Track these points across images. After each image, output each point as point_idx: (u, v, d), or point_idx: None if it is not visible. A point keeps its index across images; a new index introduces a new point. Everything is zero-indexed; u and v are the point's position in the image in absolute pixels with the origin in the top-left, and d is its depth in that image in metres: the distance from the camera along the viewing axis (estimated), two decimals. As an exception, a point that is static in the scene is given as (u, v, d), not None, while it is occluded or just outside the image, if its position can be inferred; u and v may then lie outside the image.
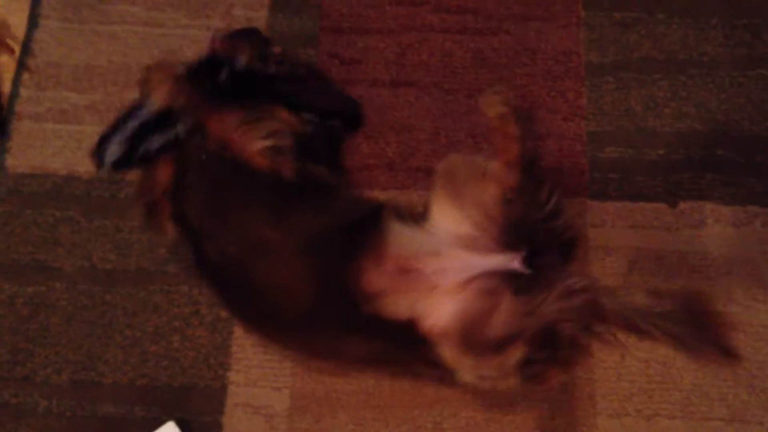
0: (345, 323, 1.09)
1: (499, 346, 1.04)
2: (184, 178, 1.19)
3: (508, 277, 1.04)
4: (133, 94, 1.33)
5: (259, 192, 1.15)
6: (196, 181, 1.18)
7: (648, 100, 1.43)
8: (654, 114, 1.42)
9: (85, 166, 1.39)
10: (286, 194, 1.15)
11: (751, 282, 1.32)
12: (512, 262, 1.05)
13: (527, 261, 1.05)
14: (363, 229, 1.10)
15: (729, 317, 1.23)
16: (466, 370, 1.07)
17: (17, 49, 1.46)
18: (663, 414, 1.26)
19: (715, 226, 1.35)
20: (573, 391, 1.26)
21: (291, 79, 1.31)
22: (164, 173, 1.21)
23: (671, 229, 1.35)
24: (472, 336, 1.04)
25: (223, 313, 1.30)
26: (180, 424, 1.22)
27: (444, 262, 1.06)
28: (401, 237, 1.09)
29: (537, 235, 1.08)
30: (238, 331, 1.30)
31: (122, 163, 1.22)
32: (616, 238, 1.34)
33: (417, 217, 1.12)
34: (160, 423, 1.24)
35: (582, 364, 1.27)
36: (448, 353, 1.05)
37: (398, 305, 1.05)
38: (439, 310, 1.05)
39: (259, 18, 1.49)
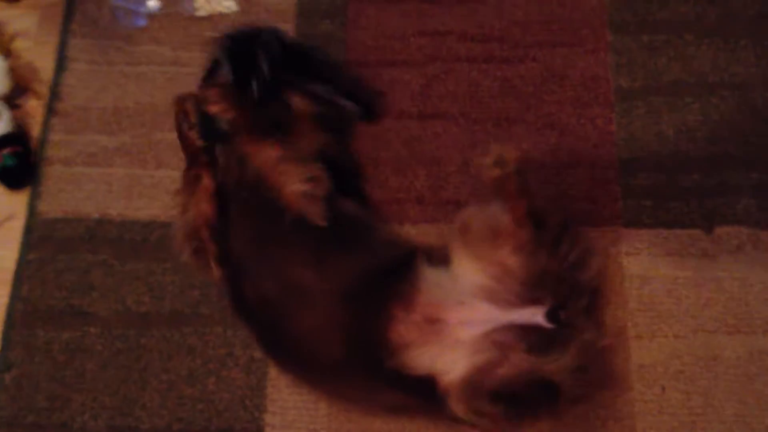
0: (372, 375, 1.10)
1: (494, 399, 1.05)
2: (227, 214, 1.20)
3: (529, 330, 1.05)
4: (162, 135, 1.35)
5: (299, 231, 1.16)
6: (238, 218, 1.19)
7: (680, 124, 1.41)
8: (686, 138, 1.40)
9: (116, 209, 1.39)
10: (324, 235, 1.15)
11: (791, 308, 1.29)
12: (535, 316, 1.05)
13: (551, 315, 1.05)
14: (396, 274, 1.10)
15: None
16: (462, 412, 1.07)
17: (46, 92, 1.47)
18: (705, 447, 1.23)
19: (753, 251, 1.32)
20: (613, 427, 1.24)
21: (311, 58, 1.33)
22: (207, 207, 1.20)
23: (708, 255, 1.33)
24: (474, 386, 1.05)
25: (258, 354, 1.30)
26: (218, 468, 1.22)
27: (468, 314, 1.07)
28: (431, 283, 1.10)
29: (561, 287, 1.07)
30: (273, 372, 1.29)
31: None
32: (652, 267, 1.32)
33: (447, 260, 1.12)
34: (197, 467, 1.23)
35: (622, 398, 1.25)
36: (455, 405, 1.06)
37: (421, 359, 1.07)
38: (456, 365, 1.06)
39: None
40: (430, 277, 1.11)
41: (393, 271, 1.12)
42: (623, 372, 1.27)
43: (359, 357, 1.09)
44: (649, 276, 1.32)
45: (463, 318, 1.07)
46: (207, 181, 1.22)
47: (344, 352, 1.10)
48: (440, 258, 1.13)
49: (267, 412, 1.27)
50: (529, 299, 1.06)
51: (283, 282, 1.14)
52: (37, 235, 1.39)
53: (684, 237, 1.34)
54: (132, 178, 1.42)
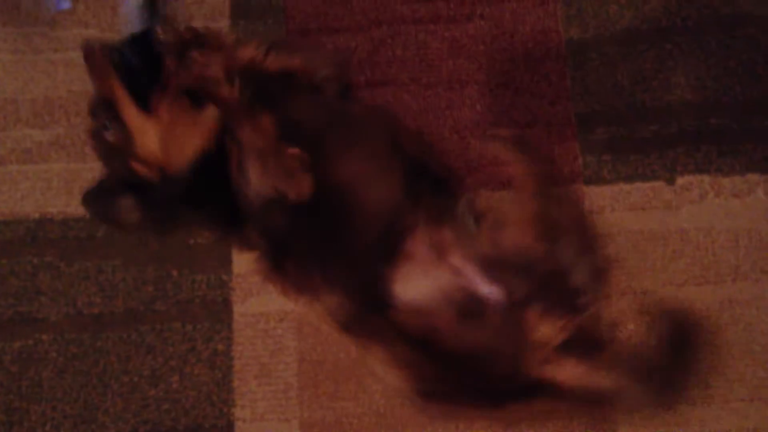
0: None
1: None
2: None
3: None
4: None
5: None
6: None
7: (635, 74, 1.37)
8: (642, 88, 1.37)
9: (57, 207, 1.33)
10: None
11: (758, 254, 1.28)
12: (490, 291, 1.04)
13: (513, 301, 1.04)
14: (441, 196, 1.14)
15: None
16: None
17: (-31, 88, 1.38)
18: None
19: (716, 199, 1.31)
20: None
21: None
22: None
23: (672, 207, 1.31)
24: None
25: (221, 347, 1.26)
26: (189, 469, 1.18)
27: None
28: (458, 224, 1.11)
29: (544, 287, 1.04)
30: (239, 364, 1.25)
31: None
32: (616, 224, 1.30)
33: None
34: (169, 469, 1.20)
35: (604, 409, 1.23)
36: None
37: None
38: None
39: (221, 27, 1.41)
40: (461, 219, 1.10)
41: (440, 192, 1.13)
42: (593, 332, 1.25)
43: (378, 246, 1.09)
44: (614, 233, 1.30)
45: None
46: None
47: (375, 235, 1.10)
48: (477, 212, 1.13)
49: (236, 405, 1.24)
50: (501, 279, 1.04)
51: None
52: (-25, 241, 1.32)
53: (646, 190, 1.32)
54: (71, 172, 1.35)
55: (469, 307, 1.04)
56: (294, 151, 1.06)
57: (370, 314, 1.09)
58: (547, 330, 1.04)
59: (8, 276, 1.29)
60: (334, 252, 1.11)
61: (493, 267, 1.05)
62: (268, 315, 1.27)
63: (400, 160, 1.12)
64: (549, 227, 1.08)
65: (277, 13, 1.41)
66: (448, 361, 1.06)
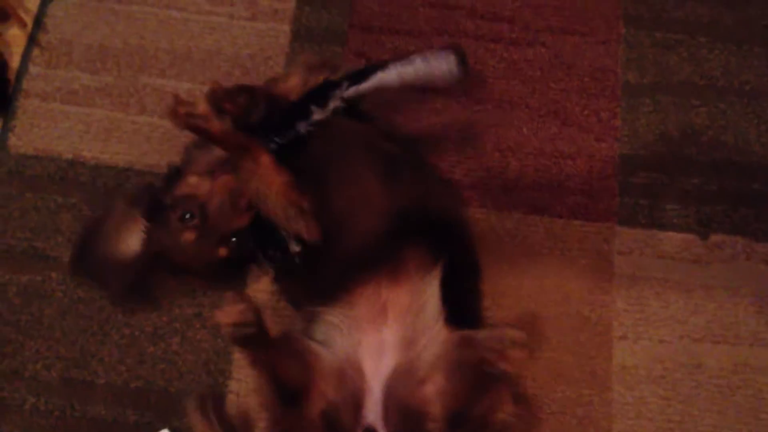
0: None
1: None
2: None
3: None
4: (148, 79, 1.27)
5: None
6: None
7: (685, 126, 1.37)
8: (690, 141, 1.36)
9: (91, 152, 1.32)
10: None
11: (781, 324, 1.26)
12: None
13: None
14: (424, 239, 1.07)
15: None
16: None
17: (29, 22, 1.38)
18: (681, 457, 1.19)
19: (747, 263, 1.29)
20: (589, 427, 1.19)
21: None
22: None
23: (701, 262, 1.29)
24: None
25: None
26: (174, 432, 1.15)
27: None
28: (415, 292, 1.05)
29: None
30: (242, 338, 1.22)
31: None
32: (643, 268, 1.28)
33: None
34: (153, 429, 1.17)
35: (600, 398, 1.20)
36: None
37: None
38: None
39: (286, 10, 1.42)
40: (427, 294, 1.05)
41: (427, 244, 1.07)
42: (604, 371, 1.22)
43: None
44: (639, 276, 1.28)
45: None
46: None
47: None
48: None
49: (232, 378, 1.21)
50: None
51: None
52: (5, 170, 1.31)
53: (678, 241, 1.30)
54: (111, 121, 1.35)
55: (345, 410, 1.01)
56: (296, 196, 1.03)
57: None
58: None
59: (30, 210, 1.29)
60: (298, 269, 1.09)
61: (400, 400, 1.01)
62: (279, 294, 1.24)
63: (392, 203, 1.06)
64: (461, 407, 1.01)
65: (344, 6, 1.42)
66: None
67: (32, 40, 1.38)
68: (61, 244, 1.27)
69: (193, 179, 1.12)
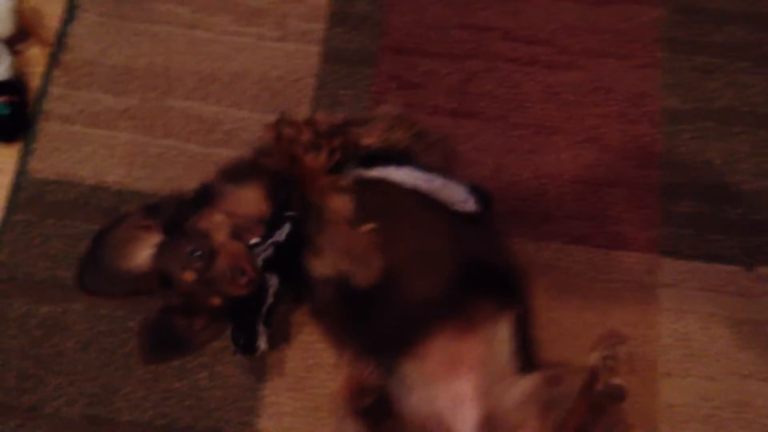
0: None
1: None
2: None
3: None
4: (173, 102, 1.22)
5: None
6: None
7: (727, 154, 1.32)
8: (733, 169, 1.31)
9: (114, 176, 1.27)
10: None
11: (831, 361, 1.21)
12: None
13: None
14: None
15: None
16: None
17: (51, 42, 1.34)
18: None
19: (795, 296, 1.24)
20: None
21: None
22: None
23: (748, 295, 1.24)
24: None
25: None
26: (202, 474, 1.09)
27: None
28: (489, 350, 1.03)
29: None
30: (273, 372, 1.17)
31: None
32: (688, 301, 1.23)
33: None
34: (179, 470, 1.11)
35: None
36: None
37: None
38: None
39: (316, 30, 1.37)
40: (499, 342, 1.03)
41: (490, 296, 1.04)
42: (650, 410, 1.17)
43: None
44: (684, 310, 1.23)
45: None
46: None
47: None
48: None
49: (261, 416, 1.16)
50: None
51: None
52: (25, 195, 1.26)
53: (723, 273, 1.25)
54: (135, 144, 1.30)
55: None
56: (370, 227, 1.00)
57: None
58: None
59: (51, 237, 1.23)
60: (362, 323, 1.05)
61: None
62: (308, 326, 1.19)
63: (457, 254, 1.04)
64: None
65: (375, 27, 1.38)
66: None
67: (54, 60, 1.33)
68: (83, 273, 1.21)
69: (218, 218, 1.06)
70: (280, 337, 1.18)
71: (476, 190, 1.10)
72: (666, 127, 1.33)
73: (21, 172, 1.27)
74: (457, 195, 1.08)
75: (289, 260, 1.04)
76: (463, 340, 1.01)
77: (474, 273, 1.04)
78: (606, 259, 1.25)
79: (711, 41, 1.39)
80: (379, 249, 1.00)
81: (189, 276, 1.01)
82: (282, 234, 1.03)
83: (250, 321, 1.04)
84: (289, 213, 1.04)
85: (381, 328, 1.04)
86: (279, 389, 1.17)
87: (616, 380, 0.95)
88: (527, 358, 1.07)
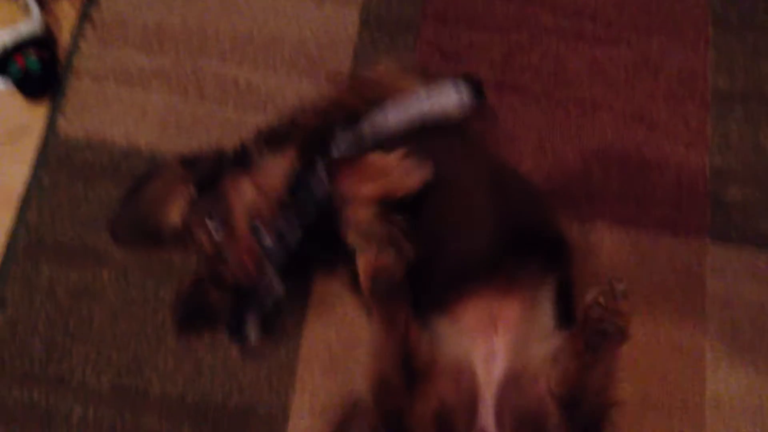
0: None
1: None
2: None
3: None
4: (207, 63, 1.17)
5: None
6: None
7: (779, 138, 1.28)
8: (785, 154, 1.27)
9: (147, 140, 1.22)
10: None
11: None
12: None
13: None
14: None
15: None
16: None
17: (81, -3, 1.29)
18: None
19: None
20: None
21: None
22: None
23: (798, 285, 1.20)
24: None
25: (290, 328, 1.14)
26: (235, 451, 1.05)
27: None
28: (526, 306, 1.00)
29: None
30: (307, 349, 1.13)
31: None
32: (736, 289, 1.19)
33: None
34: (211, 447, 1.07)
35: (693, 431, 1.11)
36: None
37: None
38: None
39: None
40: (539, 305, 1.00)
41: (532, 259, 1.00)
42: (696, 403, 1.13)
43: None
44: (733, 299, 1.19)
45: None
46: None
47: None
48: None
49: (295, 394, 1.11)
50: None
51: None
52: (54, 156, 1.21)
53: (774, 261, 1.21)
54: (168, 106, 1.25)
55: (460, 413, 0.95)
56: (396, 218, 0.96)
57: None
58: None
59: (81, 201, 1.19)
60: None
61: (515, 405, 0.95)
62: (347, 302, 1.15)
63: (498, 215, 1.00)
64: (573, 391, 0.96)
65: (416, -4, 1.32)
66: None
67: (84, 16, 1.27)
68: (113, 239, 1.16)
69: (245, 186, 1.02)
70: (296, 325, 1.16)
71: (465, 82, 1.04)
72: (716, 109, 1.28)
73: (50, 131, 1.21)
74: (450, 100, 1.02)
75: (299, 268, 1.03)
76: (502, 300, 0.99)
77: (520, 236, 1.00)
78: (652, 243, 1.21)
79: (763, 21, 1.34)
80: (410, 237, 0.96)
81: (204, 239, 0.99)
82: (293, 241, 1.00)
83: (244, 310, 1.02)
84: (301, 220, 1.00)
85: (420, 285, 1.00)
86: (313, 368, 1.13)
87: (613, 318, 0.93)
88: (566, 323, 1.03)
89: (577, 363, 0.95)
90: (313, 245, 1.03)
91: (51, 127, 1.22)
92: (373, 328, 0.97)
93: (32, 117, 1.22)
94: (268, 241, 0.99)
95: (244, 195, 1.02)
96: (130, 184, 1.06)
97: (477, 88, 1.04)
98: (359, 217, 0.97)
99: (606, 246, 1.21)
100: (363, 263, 0.94)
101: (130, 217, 1.05)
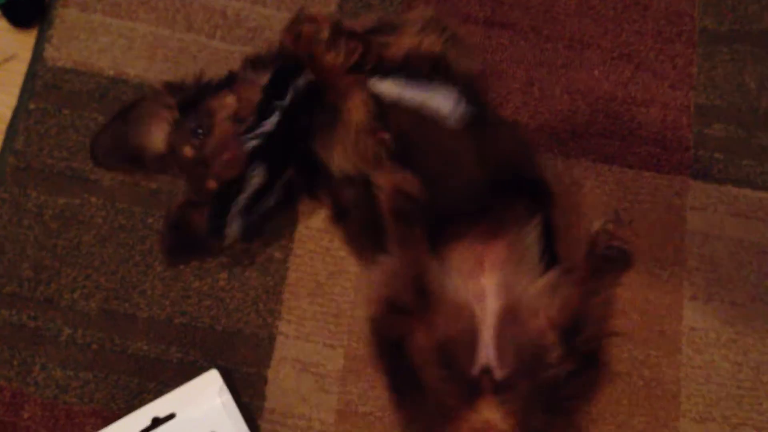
0: None
1: None
2: None
3: None
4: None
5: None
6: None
7: (763, 79, 1.28)
8: (769, 94, 1.28)
9: (135, 69, 1.22)
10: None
11: None
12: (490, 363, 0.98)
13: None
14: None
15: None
16: None
17: None
18: (750, 424, 1.14)
19: (825, 226, 1.22)
20: (656, 389, 1.13)
21: None
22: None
23: (777, 222, 1.22)
24: None
25: (278, 254, 1.15)
26: (221, 373, 1.07)
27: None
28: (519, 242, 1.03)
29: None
30: (293, 277, 1.15)
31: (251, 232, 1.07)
32: (716, 225, 1.21)
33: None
34: (198, 368, 1.09)
35: (668, 360, 1.14)
36: None
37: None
38: None
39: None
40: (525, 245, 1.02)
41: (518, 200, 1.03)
42: (673, 332, 1.16)
43: None
44: (713, 235, 1.20)
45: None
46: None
47: None
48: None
49: (281, 319, 1.14)
50: None
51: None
52: (42, 83, 1.21)
53: (754, 199, 1.23)
54: (156, 37, 1.24)
55: (462, 347, 0.97)
56: (384, 135, 0.98)
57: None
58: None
59: (68, 128, 1.19)
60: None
61: (513, 340, 0.97)
62: (333, 234, 1.16)
63: (484, 158, 1.02)
64: (575, 319, 0.99)
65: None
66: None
67: (70, -58, 1.26)
68: (101, 166, 1.17)
69: (229, 99, 1.03)
70: (280, 235, 1.17)
71: (466, 93, 1.04)
72: (702, 48, 1.29)
73: (37, 59, 1.21)
74: (446, 105, 1.02)
75: (283, 150, 1.03)
76: (489, 242, 1.01)
77: (503, 178, 1.02)
78: (635, 180, 1.22)
79: (753, -38, 1.34)
80: (392, 155, 0.98)
81: (188, 151, 1.01)
82: (271, 123, 1.01)
83: (225, 206, 1.03)
84: (280, 101, 1.01)
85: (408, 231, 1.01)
86: (299, 293, 1.15)
87: (617, 242, 0.99)
88: (551, 260, 1.05)
89: (580, 290, 0.98)
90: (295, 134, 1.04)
91: (38, 55, 1.22)
92: (389, 248, 0.99)
93: (19, 45, 1.22)
94: (250, 136, 1.00)
95: (227, 105, 1.03)
96: (116, 109, 1.08)
97: (477, 101, 1.06)
98: (353, 116, 0.98)
99: (589, 182, 1.22)
100: (384, 181, 0.96)
101: (112, 138, 1.07)
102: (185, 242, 1.08)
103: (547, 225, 1.06)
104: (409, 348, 0.97)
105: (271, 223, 1.13)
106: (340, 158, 1.01)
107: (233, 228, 1.04)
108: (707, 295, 1.18)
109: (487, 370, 0.96)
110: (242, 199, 1.03)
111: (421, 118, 1.02)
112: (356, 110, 0.99)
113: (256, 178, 1.02)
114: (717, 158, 1.24)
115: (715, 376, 1.14)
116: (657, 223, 1.20)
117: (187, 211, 1.06)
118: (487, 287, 1.00)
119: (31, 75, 1.21)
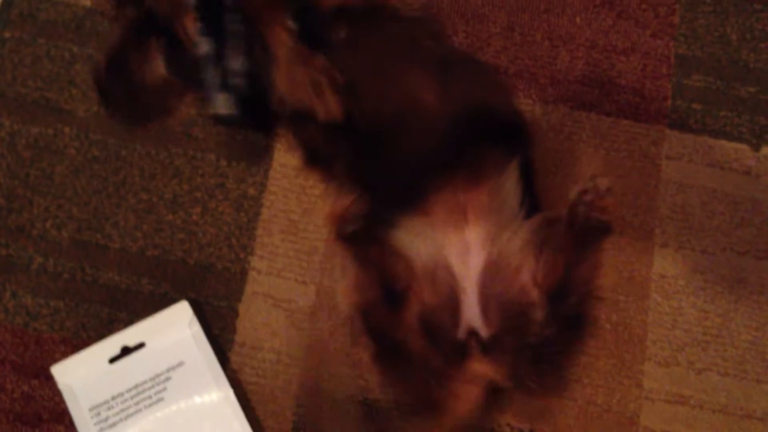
0: None
1: None
2: None
3: None
4: None
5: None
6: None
7: (745, 31, 1.28)
8: (749, 47, 1.28)
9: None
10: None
11: (828, 243, 1.21)
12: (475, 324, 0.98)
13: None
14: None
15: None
16: None
17: None
18: (714, 370, 1.15)
19: (798, 178, 1.23)
20: (623, 333, 1.14)
21: None
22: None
23: (751, 174, 1.22)
24: None
25: (252, 191, 1.15)
26: (192, 305, 1.08)
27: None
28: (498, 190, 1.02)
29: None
30: (267, 213, 1.15)
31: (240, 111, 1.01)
32: (690, 175, 1.21)
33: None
34: (170, 300, 1.10)
35: (636, 305, 1.15)
36: None
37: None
38: None
39: None
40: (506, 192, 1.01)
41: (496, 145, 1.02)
42: (642, 278, 1.17)
43: None
44: (686, 184, 1.21)
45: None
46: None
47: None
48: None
49: (254, 255, 1.14)
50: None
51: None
52: (17, 11, 1.19)
53: (729, 150, 1.23)
54: (134, -31, 1.22)
55: (443, 312, 0.97)
56: (322, 62, 0.95)
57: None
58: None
59: (43, 57, 1.18)
60: (359, 171, 1.02)
61: (498, 295, 0.98)
62: (308, 172, 1.16)
63: (453, 103, 1.00)
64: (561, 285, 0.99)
65: None
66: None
67: None
68: (75, 97, 1.17)
69: None
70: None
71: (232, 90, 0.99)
72: (685, -2, 1.29)
73: (12, -13, 1.20)
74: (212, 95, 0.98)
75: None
76: (469, 191, 1.00)
77: (477, 123, 1.01)
78: (612, 128, 1.23)
79: None
80: (337, 84, 0.95)
81: None
82: None
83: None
84: None
85: (379, 183, 1.01)
86: (272, 230, 1.15)
87: (599, 214, 0.97)
88: (531, 206, 1.05)
89: (564, 258, 0.97)
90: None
91: (13, -19, 1.20)
92: (348, 266, 1.00)
93: (-7, -29, 1.21)
94: None
95: None
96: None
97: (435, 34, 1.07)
98: (279, 38, 0.95)
99: (567, 129, 1.22)
100: (331, 209, 0.96)
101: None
102: (124, 85, 1.03)
103: (526, 169, 1.06)
104: (397, 334, 0.97)
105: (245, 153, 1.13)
106: (280, 92, 0.97)
107: (219, 98, 0.98)
108: (678, 243, 1.19)
109: (473, 332, 0.97)
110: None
111: (384, 54, 1.01)
112: (278, 39, 0.95)
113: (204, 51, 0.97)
114: (695, 109, 1.24)
115: (682, 322, 1.16)
116: (632, 170, 1.21)
117: (127, 50, 1.02)
118: (471, 239, 0.99)
119: (6, 4, 1.19)
